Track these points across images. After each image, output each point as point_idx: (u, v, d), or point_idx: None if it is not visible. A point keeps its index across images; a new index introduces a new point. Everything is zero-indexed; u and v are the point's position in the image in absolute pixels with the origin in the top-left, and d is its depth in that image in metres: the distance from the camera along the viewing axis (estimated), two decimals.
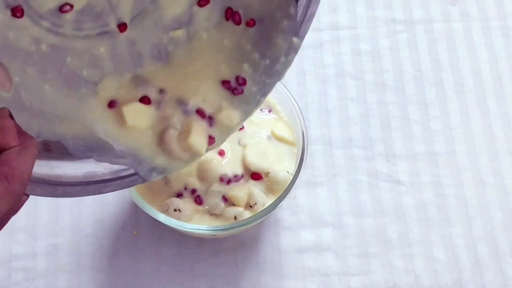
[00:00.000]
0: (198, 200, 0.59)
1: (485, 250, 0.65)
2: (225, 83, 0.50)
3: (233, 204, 0.58)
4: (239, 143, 0.60)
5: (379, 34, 0.74)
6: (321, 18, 0.75)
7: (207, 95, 0.51)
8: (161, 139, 0.50)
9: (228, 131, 0.51)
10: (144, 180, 0.49)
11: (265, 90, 0.50)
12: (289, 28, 0.48)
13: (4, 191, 0.38)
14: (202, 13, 0.49)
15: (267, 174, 0.59)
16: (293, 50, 0.49)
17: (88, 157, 0.47)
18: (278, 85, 0.61)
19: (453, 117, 0.70)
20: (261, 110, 0.63)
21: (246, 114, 0.51)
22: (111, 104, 0.49)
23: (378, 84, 0.72)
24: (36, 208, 0.65)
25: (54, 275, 0.63)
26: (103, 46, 0.48)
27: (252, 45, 0.49)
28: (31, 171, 0.40)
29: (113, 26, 0.47)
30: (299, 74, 0.72)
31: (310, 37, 0.73)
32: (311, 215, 0.66)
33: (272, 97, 0.63)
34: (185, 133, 0.50)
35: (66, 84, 0.47)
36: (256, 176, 0.59)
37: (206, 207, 0.58)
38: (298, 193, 0.67)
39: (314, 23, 0.73)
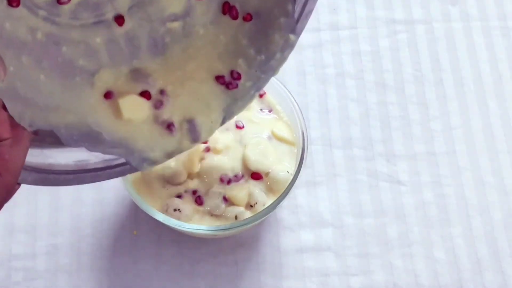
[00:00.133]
0: (199, 201, 0.59)
1: (485, 250, 0.65)
2: (219, 78, 0.50)
3: (234, 204, 0.58)
4: (239, 142, 0.60)
5: (379, 34, 0.74)
6: (321, 18, 0.75)
7: (202, 95, 0.51)
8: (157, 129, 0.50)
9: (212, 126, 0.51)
10: (135, 170, 0.49)
11: (259, 85, 0.50)
12: (286, 25, 0.48)
13: None
14: (199, 6, 0.49)
15: (267, 174, 0.59)
16: (289, 46, 0.49)
17: (80, 147, 0.47)
18: (278, 85, 0.61)
19: (453, 117, 0.70)
20: (261, 110, 0.63)
21: (239, 108, 0.51)
22: (107, 95, 0.49)
23: (378, 84, 0.72)
24: (36, 208, 0.65)
25: (54, 275, 0.63)
26: (99, 36, 0.48)
27: (248, 40, 0.50)
28: (24, 163, 0.40)
29: (110, 15, 0.47)
30: (299, 74, 0.72)
31: (310, 37, 0.73)
32: (311, 215, 0.66)
33: (272, 97, 0.63)
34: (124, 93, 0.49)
35: (61, 73, 0.47)
36: (256, 176, 0.59)
37: (207, 208, 0.58)
38: (298, 193, 0.67)
39: (314, 23, 0.74)
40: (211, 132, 0.51)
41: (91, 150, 0.47)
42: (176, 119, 0.50)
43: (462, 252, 0.64)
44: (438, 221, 0.66)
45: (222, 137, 0.60)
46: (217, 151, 0.60)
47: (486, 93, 0.71)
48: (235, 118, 0.52)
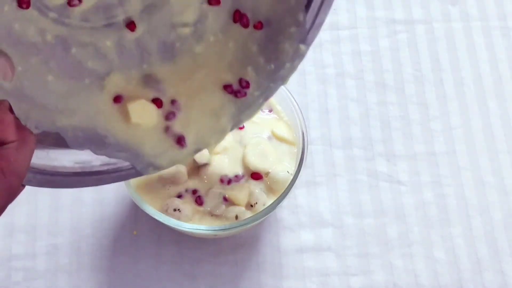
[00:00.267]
0: (199, 201, 0.59)
1: (485, 250, 0.65)
2: (227, 87, 0.50)
3: (234, 204, 0.58)
4: (239, 143, 0.60)
5: (379, 34, 0.74)
6: None
7: (211, 107, 0.51)
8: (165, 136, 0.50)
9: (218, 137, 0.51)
10: (140, 174, 0.50)
11: (267, 94, 0.50)
12: (297, 35, 0.48)
13: (1, 185, 0.38)
14: (211, 13, 0.49)
15: (267, 174, 0.59)
16: (299, 56, 0.48)
17: (85, 150, 0.47)
18: None
19: (453, 117, 0.70)
20: (261, 110, 0.63)
21: (247, 117, 0.51)
22: (117, 99, 0.49)
23: (378, 84, 0.72)
24: (36, 208, 0.65)
25: (54, 275, 0.63)
26: (109, 39, 0.48)
27: (258, 48, 0.49)
28: (29, 165, 0.40)
29: (120, 18, 0.47)
30: (299, 74, 0.72)
31: None
32: (311, 215, 0.66)
33: (272, 97, 0.63)
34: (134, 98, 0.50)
35: (70, 75, 0.47)
36: (256, 176, 0.59)
37: (207, 208, 0.58)
38: (298, 193, 0.67)
39: None
40: (218, 142, 0.51)
41: (96, 153, 0.47)
42: (187, 136, 0.50)
43: (462, 252, 0.64)
44: (438, 221, 0.66)
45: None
46: (217, 152, 0.60)
47: (486, 93, 0.71)
48: None
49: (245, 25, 0.49)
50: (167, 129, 0.50)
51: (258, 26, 0.49)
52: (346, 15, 0.75)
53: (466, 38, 0.74)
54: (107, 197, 0.66)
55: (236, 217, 0.58)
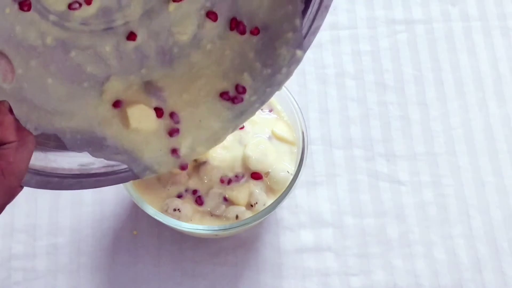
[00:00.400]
0: (199, 201, 0.58)
1: (485, 250, 0.65)
2: (223, 94, 0.51)
3: (234, 204, 0.58)
4: (239, 142, 0.60)
5: (379, 34, 0.74)
6: None
7: (209, 118, 0.51)
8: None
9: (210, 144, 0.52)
10: (137, 177, 0.50)
11: (263, 98, 0.50)
12: (293, 40, 0.48)
13: (0, 185, 0.38)
14: (207, 22, 0.49)
15: (267, 174, 0.59)
16: (295, 62, 0.49)
17: (84, 152, 0.47)
18: None
19: (453, 117, 0.70)
20: (261, 109, 0.63)
21: (243, 121, 0.51)
22: (116, 104, 0.49)
23: (378, 84, 0.72)
24: (36, 208, 0.65)
25: (54, 275, 0.63)
26: (108, 44, 0.48)
27: (254, 53, 0.49)
28: (28, 166, 0.40)
29: (120, 23, 0.47)
30: (299, 74, 0.72)
31: None
32: (311, 215, 0.66)
33: (273, 97, 0.63)
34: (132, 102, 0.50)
35: (69, 78, 0.47)
36: (256, 175, 0.59)
37: (208, 208, 0.58)
38: (298, 193, 0.67)
39: None
40: (213, 147, 0.52)
41: (94, 156, 0.48)
42: (183, 143, 0.51)
43: (462, 252, 0.64)
44: (438, 221, 0.66)
45: None
46: (217, 152, 0.60)
47: (486, 93, 0.71)
48: None
49: (242, 32, 0.49)
50: (168, 144, 0.50)
51: (255, 31, 0.49)
52: (346, 15, 0.75)
53: (466, 38, 0.74)
54: (107, 197, 0.66)
55: (237, 217, 0.58)
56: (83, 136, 0.47)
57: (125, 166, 0.50)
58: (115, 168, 0.50)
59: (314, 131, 0.69)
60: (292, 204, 0.66)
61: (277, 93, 0.61)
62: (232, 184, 0.59)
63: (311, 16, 0.48)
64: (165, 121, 0.51)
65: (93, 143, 0.48)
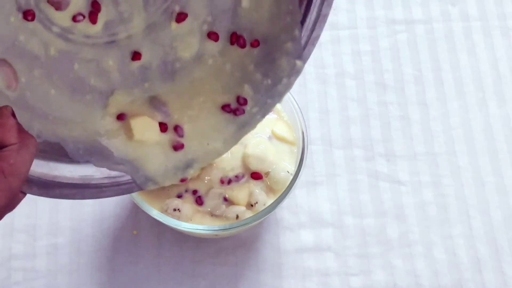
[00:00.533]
0: (199, 201, 0.58)
1: (485, 250, 0.65)
2: (225, 107, 0.51)
3: (234, 204, 0.58)
4: (239, 142, 0.60)
5: (379, 34, 0.74)
6: None
7: (212, 133, 0.51)
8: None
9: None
10: (140, 188, 0.50)
11: (265, 110, 0.50)
12: (293, 50, 0.48)
13: (1, 186, 0.38)
14: (208, 40, 0.50)
15: (267, 174, 0.59)
16: (295, 72, 0.49)
17: (86, 161, 0.47)
18: None
19: (453, 117, 0.70)
20: None
21: (245, 133, 0.51)
22: (120, 117, 0.49)
23: (378, 84, 0.72)
24: (36, 208, 0.65)
25: (54, 275, 0.63)
26: (111, 57, 0.48)
27: (255, 65, 0.50)
28: (29, 168, 0.41)
29: (122, 36, 0.48)
30: None
31: None
32: (311, 215, 0.66)
33: None
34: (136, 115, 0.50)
35: (72, 90, 0.47)
36: (256, 175, 0.59)
37: (208, 208, 0.58)
38: (298, 193, 0.67)
39: None
40: (214, 160, 0.52)
41: (97, 165, 0.48)
42: (185, 156, 0.51)
43: (462, 252, 0.64)
44: (438, 221, 0.66)
45: None
46: None
47: (486, 93, 0.71)
48: None
49: (242, 46, 0.49)
50: (170, 150, 0.51)
51: (255, 44, 0.49)
52: (346, 15, 0.75)
53: (466, 38, 0.74)
54: None
55: (237, 217, 0.58)
56: (86, 146, 0.48)
57: (128, 177, 0.50)
58: (118, 180, 0.50)
59: (314, 131, 0.69)
60: (292, 204, 0.66)
61: None
62: (232, 184, 0.59)
63: (310, 26, 0.48)
64: (169, 135, 0.51)
65: (95, 153, 0.48)
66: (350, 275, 0.64)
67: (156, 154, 0.50)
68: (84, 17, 0.45)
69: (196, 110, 0.51)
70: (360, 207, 0.66)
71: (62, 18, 0.45)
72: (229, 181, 0.59)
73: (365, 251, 0.65)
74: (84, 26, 0.46)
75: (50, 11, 0.44)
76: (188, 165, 0.51)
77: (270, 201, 0.58)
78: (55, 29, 0.45)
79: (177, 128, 0.51)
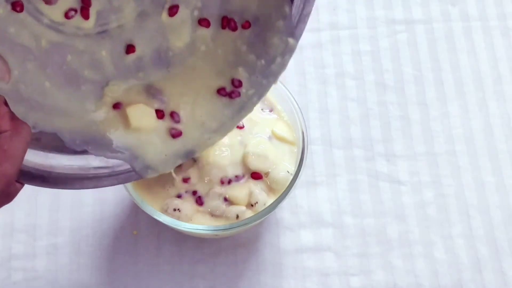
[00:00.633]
0: (199, 201, 0.58)
1: (485, 250, 0.65)
2: (220, 90, 0.51)
3: (234, 204, 0.58)
4: (239, 142, 0.60)
5: (379, 34, 0.74)
6: (321, 18, 0.75)
7: (209, 118, 0.51)
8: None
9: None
10: (139, 176, 0.50)
11: (261, 92, 0.50)
12: (284, 28, 0.48)
13: None
14: (201, 28, 0.49)
15: (267, 174, 0.59)
16: (288, 51, 0.49)
17: (83, 151, 0.47)
18: (278, 85, 0.61)
19: (453, 117, 0.70)
20: (262, 109, 0.63)
21: (242, 117, 0.51)
22: (116, 106, 0.49)
23: (378, 84, 0.72)
24: (36, 208, 0.65)
25: (54, 275, 0.63)
26: (104, 47, 0.48)
27: (247, 46, 0.50)
28: (23, 155, 0.41)
29: (114, 25, 0.47)
30: (299, 74, 0.72)
31: (310, 37, 0.73)
32: (311, 215, 0.66)
33: (273, 97, 0.63)
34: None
35: (67, 81, 0.47)
36: (256, 175, 0.59)
37: (208, 209, 0.58)
38: (298, 193, 0.67)
39: (314, 23, 0.74)
40: (213, 145, 0.52)
41: (94, 154, 0.48)
42: (183, 140, 0.51)
43: (462, 252, 0.64)
44: (438, 221, 0.66)
45: None
46: (217, 152, 0.60)
47: (486, 93, 0.71)
48: None
49: (234, 29, 0.49)
50: (169, 138, 0.50)
51: (246, 25, 0.49)
52: (346, 15, 0.75)
53: (466, 38, 0.74)
54: (107, 197, 0.66)
55: (237, 216, 0.58)
56: (82, 136, 0.48)
57: (126, 166, 0.50)
58: (116, 169, 0.50)
59: (314, 131, 0.69)
60: (292, 204, 0.66)
61: (277, 93, 0.61)
62: (232, 184, 0.59)
63: (300, 3, 0.48)
64: (167, 122, 0.51)
65: (92, 142, 0.48)
66: (350, 275, 0.64)
67: (155, 142, 0.50)
68: (76, 11, 0.45)
69: (192, 95, 0.51)
70: (360, 207, 0.66)
71: (54, 13, 0.45)
72: (229, 181, 0.59)
73: (365, 251, 0.65)
74: (77, 20, 0.46)
75: (40, 3, 0.44)
76: (187, 153, 0.51)
77: (270, 201, 0.58)
78: (45, 21, 0.45)
79: (173, 114, 0.51)
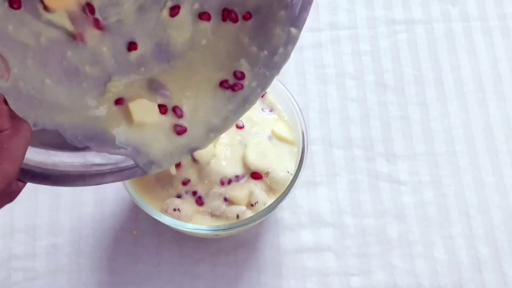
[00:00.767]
0: (199, 202, 0.58)
1: (485, 250, 0.65)
2: (223, 83, 0.50)
3: (234, 204, 0.58)
4: (239, 142, 0.60)
5: (379, 34, 0.74)
6: (321, 18, 0.75)
7: (212, 113, 0.51)
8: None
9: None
10: (144, 172, 0.49)
11: (264, 83, 0.50)
12: (286, 18, 0.48)
13: None
14: (201, 22, 0.49)
15: (267, 173, 0.59)
16: (291, 41, 0.48)
17: (85, 147, 0.47)
18: (278, 85, 0.61)
19: (453, 117, 0.70)
20: (262, 109, 0.63)
21: (246, 110, 0.51)
22: (118, 102, 0.49)
23: (378, 84, 0.72)
24: (36, 208, 0.65)
25: (54, 275, 0.63)
26: (104, 42, 0.48)
27: (249, 38, 0.49)
28: (24, 153, 0.41)
29: (113, 20, 0.47)
30: (299, 74, 0.72)
31: (310, 37, 0.73)
32: (311, 215, 0.66)
33: (273, 97, 0.63)
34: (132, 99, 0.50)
35: (67, 78, 0.47)
36: (256, 175, 0.59)
37: (208, 209, 0.58)
38: (298, 193, 0.67)
39: (314, 23, 0.74)
40: (217, 139, 0.52)
41: (97, 150, 0.47)
42: (187, 135, 0.51)
43: (462, 252, 0.64)
44: (438, 221, 0.66)
45: (222, 136, 0.60)
46: (217, 152, 0.60)
47: (486, 93, 0.71)
48: None
49: (235, 21, 0.49)
50: (173, 135, 0.50)
51: (247, 16, 0.49)
52: (346, 15, 0.75)
53: (466, 38, 0.74)
54: (107, 197, 0.66)
55: (237, 216, 0.58)
56: (85, 132, 0.47)
57: (129, 162, 0.49)
58: (119, 165, 0.50)
59: (314, 131, 0.69)
60: (292, 204, 0.66)
61: (277, 93, 0.62)
62: (232, 184, 0.59)
63: None
64: (170, 118, 0.50)
65: (94, 138, 0.48)
66: (350, 275, 0.64)
67: (159, 137, 0.50)
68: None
69: (194, 89, 0.50)
70: (360, 207, 0.66)
71: (62, 19, 0.45)
72: (229, 181, 0.59)
73: (365, 251, 0.65)
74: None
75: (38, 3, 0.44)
76: (191, 149, 0.50)
77: (270, 201, 0.58)
78: (44, 17, 0.45)
79: (176, 109, 0.50)
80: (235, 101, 0.50)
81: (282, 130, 0.62)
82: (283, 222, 0.65)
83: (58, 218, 0.65)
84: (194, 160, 0.59)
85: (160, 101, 0.50)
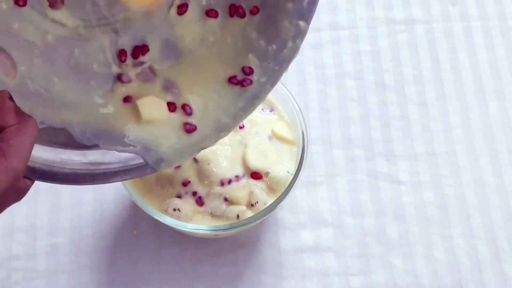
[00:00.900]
0: (200, 202, 0.58)
1: (485, 250, 0.65)
2: (232, 79, 0.50)
3: (235, 204, 0.58)
4: (239, 142, 0.60)
5: (379, 34, 0.74)
6: (321, 18, 0.75)
7: (222, 110, 0.50)
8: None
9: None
10: (153, 170, 0.49)
11: (274, 79, 0.49)
12: (294, 11, 0.47)
13: (2, 167, 0.38)
14: (209, 19, 0.49)
15: (267, 173, 0.59)
16: (300, 34, 0.48)
17: (94, 145, 0.47)
18: (279, 85, 0.61)
19: (453, 117, 0.70)
20: (262, 109, 0.63)
21: (255, 106, 0.50)
22: (127, 99, 0.49)
23: (378, 84, 0.72)
24: (36, 208, 0.65)
25: (54, 275, 0.63)
26: (109, 39, 0.48)
27: (257, 32, 0.49)
28: (30, 149, 0.41)
29: (119, 17, 0.47)
30: (299, 74, 0.72)
31: (310, 37, 0.73)
32: (311, 215, 0.66)
33: (273, 97, 0.63)
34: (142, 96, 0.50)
35: (75, 76, 0.47)
36: (256, 175, 0.59)
37: (209, 209, 0.58)
38: (298, 193, 0.67)
39: (314, 23, 0.74)
40: (226, 135, 0.51)
41: (105, 148, 0.47)
42: (196, 132, 0.50)
43: (462, 252, 0.64)
44: (438, 221, 0.66)
45: None
46: (217, 152, 0.60)
47: (486, 93, 0.71)
48: None
49: (242, 16, 0.49)
50: (183, 133, 0.50)
51: (254, 11, 0.48)
52: (346, 15, 0.75)
53: (466, 38, 0.74)
54: (107, 197, 0.66)
55: (238, 216, 0.58)
56: (93, 129, 0.47)
57: (139, 160, 0.49)
58: (128, 163, 0.49)
59: (314, 131, 0.69)
60: (292, 204, 0.66)
61: (277, 93, 0.61)
62: (232, 184, 0.59)
63: None
64: (179, 116, 0.50)
65: (103, 136, 0.47)
66: (350, 275, 0.64)
67: (168, 135, 0.49)
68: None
69: (203, 86, 0.50)
70: (360, 207, 0.66)
71: (70, 20, 0.45)
72: (229, 181, 0.59)
73: (365, 251, 0.65)
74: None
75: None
76: (201, 148, 0.50)
77: (270, 201, 0.58)
78: (50, 16, 0.45)
79: (185, 106, 0.50)
80: (245, 97, 0.50)
81: (282, 130, 0.62)
82: (283, 222, 0.65)
83: (58, 218, 0.65)
84: (195, 160, 0.59)
85: (169, 98, 0.50)
